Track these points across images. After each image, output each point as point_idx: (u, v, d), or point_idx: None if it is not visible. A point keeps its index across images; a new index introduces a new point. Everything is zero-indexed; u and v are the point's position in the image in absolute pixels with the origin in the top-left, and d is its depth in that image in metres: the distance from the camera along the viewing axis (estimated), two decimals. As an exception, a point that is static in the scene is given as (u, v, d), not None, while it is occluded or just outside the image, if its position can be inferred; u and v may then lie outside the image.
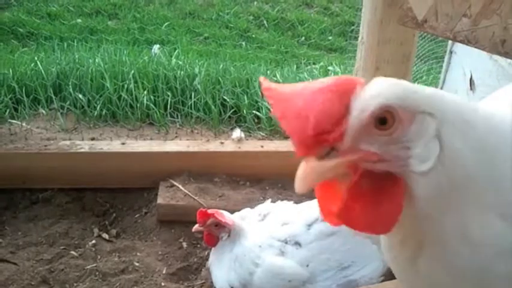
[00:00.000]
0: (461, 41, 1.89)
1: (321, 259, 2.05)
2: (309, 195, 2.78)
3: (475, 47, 1.86)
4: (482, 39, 1.81)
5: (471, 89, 2.96)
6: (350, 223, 0.92)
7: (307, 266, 2.05)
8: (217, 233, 2.13)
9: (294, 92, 0.93)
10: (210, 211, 2.12)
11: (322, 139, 0.87)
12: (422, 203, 0.89)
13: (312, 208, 2.21)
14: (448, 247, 0.92)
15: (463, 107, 0.93)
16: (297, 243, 2.08)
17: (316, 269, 2.05)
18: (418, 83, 3.81)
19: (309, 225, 2.11)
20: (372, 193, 0.91)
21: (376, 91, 0.88)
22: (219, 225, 2.12)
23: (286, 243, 2.08)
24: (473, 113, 0.94)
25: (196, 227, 2.16)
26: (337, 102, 0.88)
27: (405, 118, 0.87)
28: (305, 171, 0.89)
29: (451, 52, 3.31)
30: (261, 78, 0.97)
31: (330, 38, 6.80)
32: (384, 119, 0.87)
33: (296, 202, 2.35)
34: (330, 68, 3.96)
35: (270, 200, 2.40)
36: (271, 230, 2.14)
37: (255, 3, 7.59)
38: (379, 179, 0.90)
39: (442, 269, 0.95)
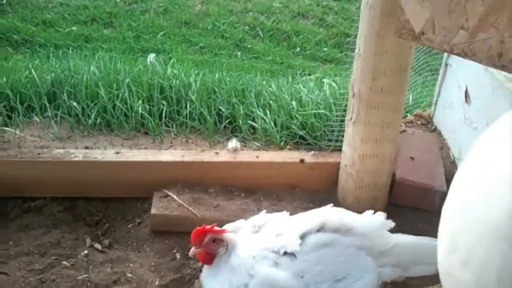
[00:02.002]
0: (458, 54, 1.90)
1: (315, 271, 2.04)
2: (304, 207, 2.78)
3: (472, 60, 1.86)
4: (479, 52, 1.81)
5: (466, 101, 2.97)
6: None
7: (302, 277, 2.03)
8: (216, 250, 2.09)
9: None
10: (207, 227, 2.08)
11: None
12: None
13: (306, 219, 2.20)
14: None
15: None
16: (292, 255, 2.06)
17: (310, 280, 2.03)
18: (413, 94, 3.82)
19: (304, 237, 2.09)
20: None
21: None
22: (217, 240, 2.08)
23: (280, 254, 2.06)
24: None
25: (193, 250, 2.08)
26: None
27: None
28: None
29: (446, 64, 3.32)
30: None
31: (326, 49, 6.81)
32: None
33: (291, 213, 2.34)
34: (325, 79, 3.95)
35: (265, 211, 2.38)
36: (265, 241, 2.12)
37: (251, 13, 7.60)
38: None
39: None
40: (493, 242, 1.01)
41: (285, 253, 2.05)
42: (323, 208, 2.33)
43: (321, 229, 2.10)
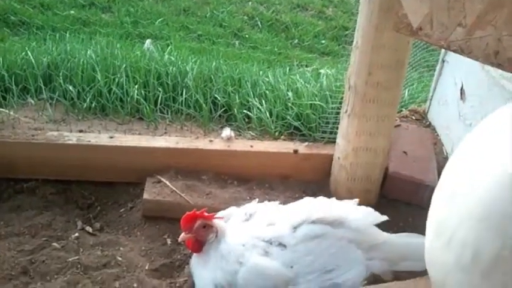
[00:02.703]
0: (455, 51, 1.90)
1: (305, 261, 2.05)
2: (296, 197, 2.79)
3: (469, 57, 1.86)
4: (475, 49, 1.82)
5: (461, 98, 2.98)
6: None
7: (291, 267, 2.04)
8: (205, 236, 2.10)
9: None
10: (197, 212, 2.09)
11: None
12: None
13: (298, 210, 2.21)
14: None
15: None
16: (282, 245, 2.07)
17: (300, 270, 2.04)
18: (408, 90, 3.83)
19: (295, 228, 2.11)
20: None
21: None
22: (207, 226, 2.09)
23: (270, 243, 2.08)
24: None
25: (182, 235, 2.10)
26: None
27: None
28: None
29: (443, 61, 3.33)
30: None
31: (324, 41, 6.82)
32: None
33: (283, 203, 2.35)
34: (321, 71, 3.96)
35: (257, 200, 2.40)
36: (256, 230, 2.14)
37: (250, 3, 7.60)
38: None
39: None
40: (472, 223, 1.06)
41: (276, 243, 2.07)
42: (316, 198, 2.35)
43: (312, 220, 2.12)
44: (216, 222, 2.11)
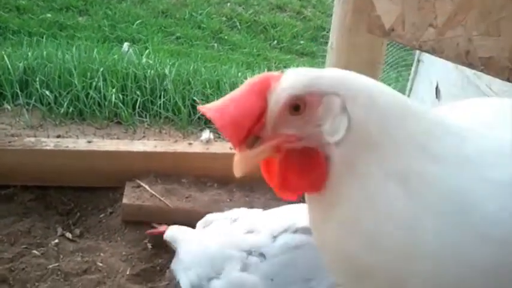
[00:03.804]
0: (427, 51, 1.93)
1: (285, 273, 2.03)
2: (277, 198, 2.78)
3: (441, 57, 1.90)
4: (447, 49, 1.85)
5: (437, 97, 3.02)
6: (288, 190, 1.13)
7: (272, 280, 2.02)
8: None
9: (225, 100, 1.10)
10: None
11: (248, 133, 1.06)
12: (337, 167, 1.05)
13: (279, 218, 2.19)
14: (353, 210, 1.06)
15: (366, 84, 1.08)
16: (262, 255, 2.05)
17: (280, 282, 2.02)
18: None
19: (275, 237, 2.09)
20: (300, 165, 1.09)
21: (285, 84, 1.05)
22: None
23: (250, 253, 2.05)
24: (376, 89, 1.09)
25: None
26: (256, 100, 1.06)
27: (314, 102, 1.04)
28: (237, 159, 1.07)
29: (418, 61, 3.37)
30: (199, 107, 1.15)
31: (302, 42, 6.85)
32: (296, 105, 1.04)
33: (263, 205, 2.35)
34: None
35: (236, 209, 2.37)
36: (235, 238, 2.11)
37: (228, 4, 7.60)
38: (304, 154, 1.08)
39: (346, 233, 1.09)
40: None
41: (255, 253, 2.05)
42: (297, 205, 2.34)
43: (295, 229, 2.10)
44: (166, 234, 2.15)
